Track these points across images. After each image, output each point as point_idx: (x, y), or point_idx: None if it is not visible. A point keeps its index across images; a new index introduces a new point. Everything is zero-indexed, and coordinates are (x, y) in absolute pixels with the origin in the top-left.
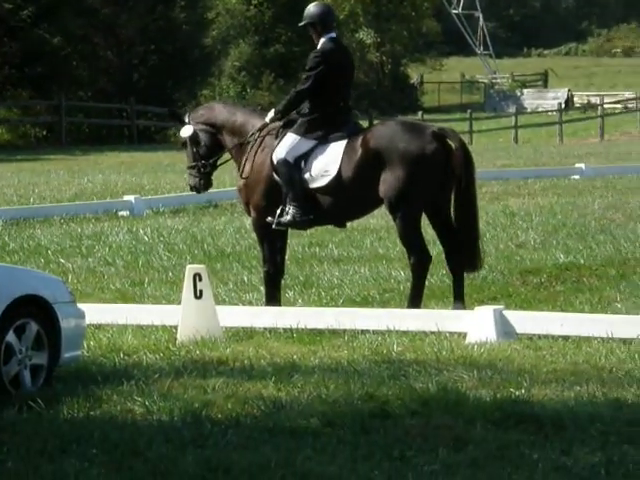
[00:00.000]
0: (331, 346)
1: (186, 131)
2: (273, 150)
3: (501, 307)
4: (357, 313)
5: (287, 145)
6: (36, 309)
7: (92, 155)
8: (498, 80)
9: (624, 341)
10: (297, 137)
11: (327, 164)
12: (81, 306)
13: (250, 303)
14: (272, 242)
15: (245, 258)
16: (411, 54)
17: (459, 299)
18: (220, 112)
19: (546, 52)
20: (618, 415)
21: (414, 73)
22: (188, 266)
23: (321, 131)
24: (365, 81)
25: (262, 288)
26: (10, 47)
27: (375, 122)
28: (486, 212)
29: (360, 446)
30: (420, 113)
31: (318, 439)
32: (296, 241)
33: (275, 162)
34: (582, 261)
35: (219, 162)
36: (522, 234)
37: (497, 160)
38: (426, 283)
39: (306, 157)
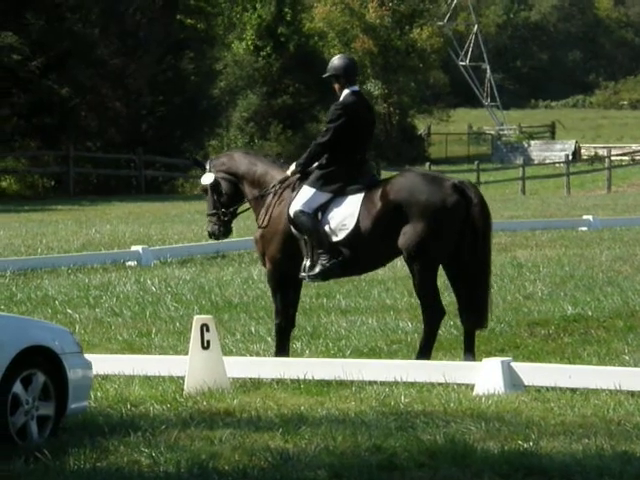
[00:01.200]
0: (338, 397)
1: (207, 179)
2: (290, 203)
3: (509, 359)
4: (364, 364)
5: (303, 198)
6: (43, 360)
7: (100, 205)
8: (505, 132)
9: (632, 394)
10: (313, 190)
11: (345, 217)
12: (88, 357)
13: (257, 354)
14: (285, 295)
15: (252, 309)
16: (418, 105)
17: (470, 351)
18: (241, 162)
19: (553, 104)
20: (626, 468)
21: (421, 124)
22: (195, 317)
23: (337, 184)
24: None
25: (270, 339)
26: (19, 98)
27: (394, 174)
28: (494, 263)
29: None
30: (428, 164)
31: None
32: (304, 292)
33: (292, 215)
34: (590, 313)
35: (239, 210)
36: (530, 285)
37: (505, 211)
38: None
39: (323, 210)
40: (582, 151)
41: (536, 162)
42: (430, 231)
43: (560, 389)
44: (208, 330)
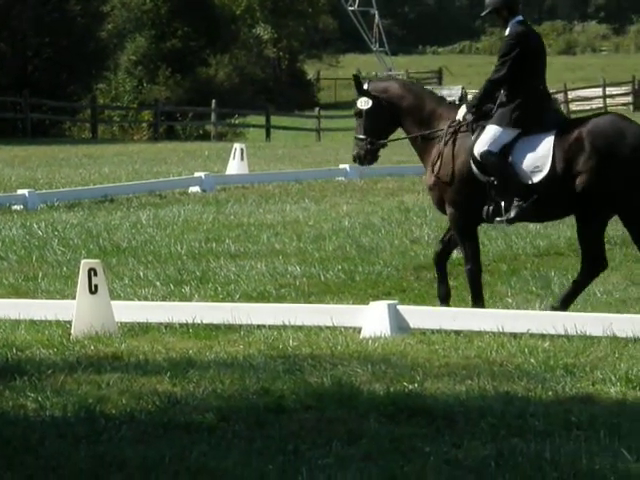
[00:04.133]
0: (227, 341)
1: (365, 103)
2: (470, 145)
3: (395, 302)
4: (253, 308)
5: (489, 137)
6: None
7: None
8: (393, 77)
9: (514, 335)
10: (499, 128)
11: (537, 159)
12: None
13: (146, 298)
14: (474, 237)
15: (141, 253)
16: (308, 50)
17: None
18: (406, 94)
19: (440, 50)
20: (508, 408)
21: (311, 69)
22: (83, 261)
23: (523, 119)
24: (262, 77)
25: (159, 283)
26: None
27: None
28: (381, 208)
29: (255, 440)
30: (317, 109)
31: (213, 434)
32: (192, 236)
33: (478, 156)
34: None
35: (388, 140)
36: (417, 230)
37: (393, 156)
38: (322, 278)
39: (511, 149)
40: (469, 97)
41: None
42: (627, 183)
43: (445, 331)
44: (96, 274)
